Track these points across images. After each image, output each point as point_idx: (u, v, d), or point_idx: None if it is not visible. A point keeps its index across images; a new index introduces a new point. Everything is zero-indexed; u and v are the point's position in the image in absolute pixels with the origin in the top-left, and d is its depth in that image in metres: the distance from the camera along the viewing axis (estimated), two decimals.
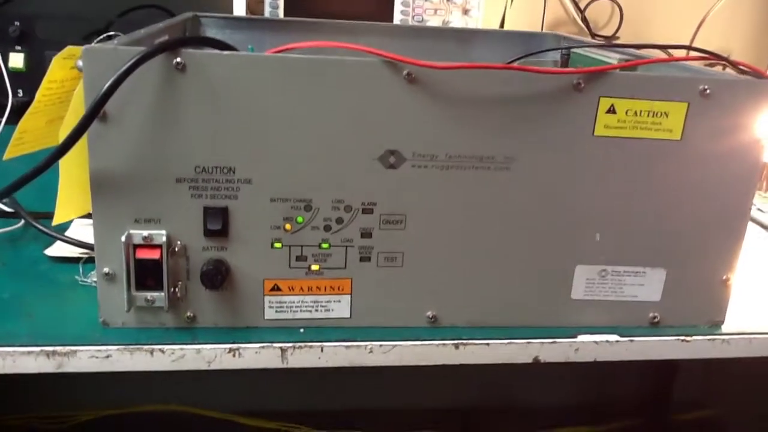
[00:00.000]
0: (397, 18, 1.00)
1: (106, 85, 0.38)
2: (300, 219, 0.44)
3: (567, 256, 0.48)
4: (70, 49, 0.53)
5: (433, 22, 1.01)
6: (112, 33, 0.59)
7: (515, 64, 0.46)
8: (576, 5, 1.39)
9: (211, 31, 0.75)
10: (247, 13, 0.95)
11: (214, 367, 0.44)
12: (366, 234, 0.45)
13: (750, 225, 0.70)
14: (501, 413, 1.16)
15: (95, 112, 0.39)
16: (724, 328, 0.51)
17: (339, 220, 0.45)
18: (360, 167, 0.44)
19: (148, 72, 0.40)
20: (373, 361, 0.45)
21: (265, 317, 0.46)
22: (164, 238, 0.43)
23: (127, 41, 0.45)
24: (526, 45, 0.81)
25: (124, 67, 0.38)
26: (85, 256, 0.53)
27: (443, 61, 0.43)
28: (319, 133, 0.43)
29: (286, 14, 0.97)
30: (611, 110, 0.45)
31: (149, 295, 0.43)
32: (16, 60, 0.94)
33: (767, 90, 0.45)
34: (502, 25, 1.32)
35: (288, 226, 0.44)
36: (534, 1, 1.38)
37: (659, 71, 0.53)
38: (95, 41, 0.56)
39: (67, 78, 0.55)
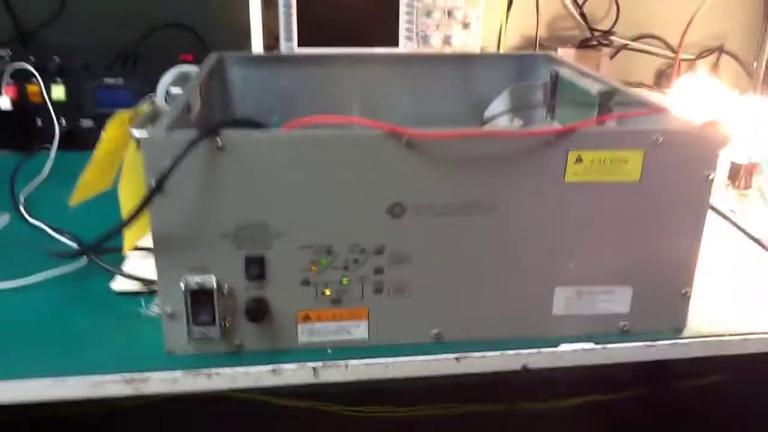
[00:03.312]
0: (402, 35, 1.08)
1: (163, 170, 0.48)
2: (323, 261, 0.54)
3: (547, 280, 0.57)
4: (119, 115, 0.63)
5: (436, 37, 1.09)
6: (150, 95, 0.68)
7: (496, 130, 0.54)
8: (574, 1, 1.45)
9: (234, 69, 0.84)
10: (264, 42, 1.04)
11: (259, 384, 0.54)
12: (378, 271, 0.55)
13: (724, 224, 0.79)
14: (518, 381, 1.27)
15: (156, 190, 0.49)
16: (685, 332, 0.60)
17: (355, 261, 0.54)
18: (370, 218, 0.53)
19: (195, 153, 0.49)
20: (389, 374, 0.55)
21: (299, 341, 0.56)
22: (214, 283, 0.53)
23: (176, 115, 0.54)
24: (521, 66, 0.90)
25: (176, 155, 0.48)
26: (146, 289, 0.63)
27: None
28: (335, 192, 0.52)
29: (300, 41, 1.05)
30: (579, 160, 0.54)
31: (204, 329, 0.53)
32: (58, 92, 1.04)
33: (706, 140, 0.54)
34: (503, 25, 1.39)
35: (314, 268, 0.54)
36: (533, 2, 1.44)
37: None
38: (142, 102, 0.65)
39: (118, 136, 0.65)
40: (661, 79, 1.50)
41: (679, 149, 0.54)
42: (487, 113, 0.85)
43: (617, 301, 0.58)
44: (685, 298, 0.59)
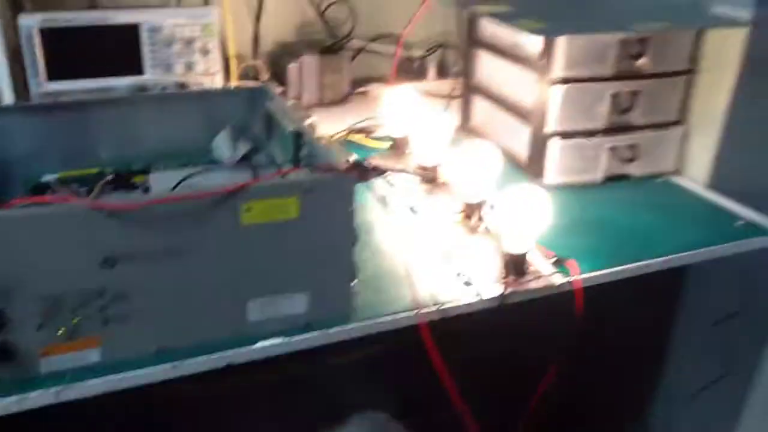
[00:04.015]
0: (147, 64, 1.20)
1: None
2: (56, 307, 0.68)
3: (241, 296, 0.76)
4: None
5: (179, 65, 1.22)
6: None
7: (178, 194, 0.70)
8: (317, 9, 1.63)
9: None
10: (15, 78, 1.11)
11: (7, 412, 0.68)
12: (102, 308, 0.70)
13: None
14: None
15: None
16: (353, 319, 0.81)
17: (82, 304, 0.69)
18: (89, 270, 0.68)
19: None
20: (120, 386, 0.71)
21: (42, 371, 0.70)
22: None
23: None
24: (251, 97, 1.06)
25: None
26: None
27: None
28: (56, 254, 0.66)
29: (48, 76, 1.14)
30: (250, 209, 0.72)
31: None
32: None
33: (343, 182, 0.74)
34: (255, 36, 1.54)
35: (49, 313, 0.68)
36: (284, 10, 1.61)
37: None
38: None
39: None
40: (399, 72, 1.73)
41: (323, 192, 0.74)
42: (213, 144, 1.01)
43: (297, 303, 0.78)
44: (349, 293, 0.80)
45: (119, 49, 1.19)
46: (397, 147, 1.26)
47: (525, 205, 0.85)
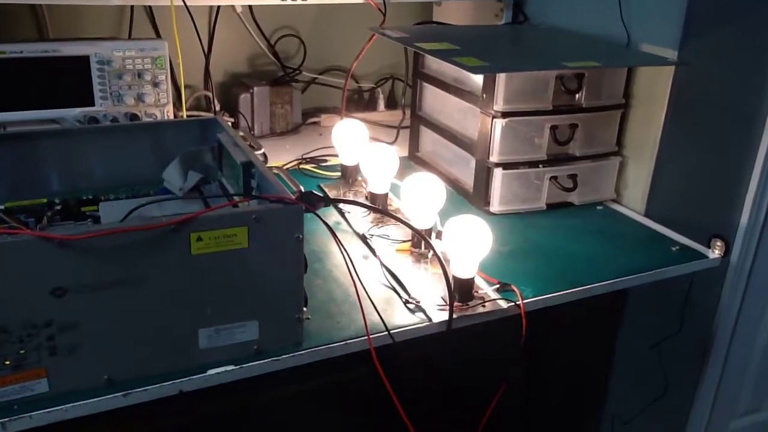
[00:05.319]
0: (98, 95, 1.21)
1: None
2: (2, 338, 0.68)
3: (192, 325, 0.77)
4: None
5: (129, 96, 1.23)
6: None
7: (127, 226, 0.71)
8: (268, 42, 1.66)
9: None
10: None
11: None
12: (50, 338, 0.70)
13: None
14: None
15: None
16: (304, 345, 0.83)
17: (29, 335, 0.69)
18: (37, 301, 0.68)
19: None
20: (69, 416, 0.71)
21: None
22: None
23: None
24: (202, 127, 1.08)
25: None
26: None
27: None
28: (4, 284, 0.66)
29: None
30: (200, 239, 0.73)
31: None
32: None
33: (292, 212, 0.76)
34: (207, 65, 1.56)
35: None
36: (235, 42, 1.63)
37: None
38: None
39: None
40: (350, 103, 1.77)
41: (272, 222, 0.76)
42: (164, 174, 1.02)
43: (248, 331, 0.80)
44: (299, 321, 0.82)
45: (69, 81, 1.19)
46: (348, 176, 1.29)
47: (469, 233, 0.89)
